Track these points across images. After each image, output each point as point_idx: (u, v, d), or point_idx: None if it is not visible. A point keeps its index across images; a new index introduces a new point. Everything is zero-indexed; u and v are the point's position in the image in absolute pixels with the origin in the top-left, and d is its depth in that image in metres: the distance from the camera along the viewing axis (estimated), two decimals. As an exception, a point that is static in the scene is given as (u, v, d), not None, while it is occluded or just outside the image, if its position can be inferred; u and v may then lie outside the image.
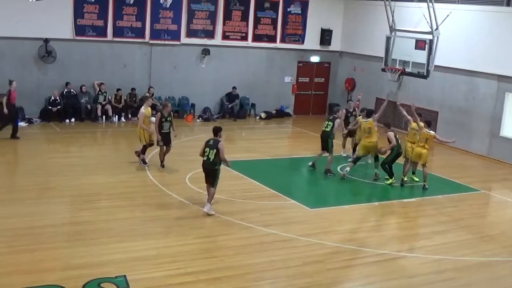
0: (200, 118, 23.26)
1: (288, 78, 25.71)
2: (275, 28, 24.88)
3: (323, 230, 12.14)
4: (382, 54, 21.26)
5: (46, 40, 20.58)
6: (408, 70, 20.60)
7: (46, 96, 20.87)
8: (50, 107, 20.75)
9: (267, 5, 24.56)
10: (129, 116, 22.03)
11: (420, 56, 19.75)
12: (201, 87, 23.61)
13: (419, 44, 20.04)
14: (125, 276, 9.25)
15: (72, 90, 21.24)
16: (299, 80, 26.06)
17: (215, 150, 12.22)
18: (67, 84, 21.12)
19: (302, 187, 16.13)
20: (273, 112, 24.88)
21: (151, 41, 22.52)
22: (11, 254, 9.98)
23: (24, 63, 20.56)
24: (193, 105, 23.33)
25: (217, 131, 12.53)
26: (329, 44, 25.94)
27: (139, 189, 14.07)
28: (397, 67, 20.92)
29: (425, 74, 19.65)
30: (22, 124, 19.97)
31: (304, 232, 11.86)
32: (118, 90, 21.80)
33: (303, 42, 25.55)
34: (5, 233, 10.77)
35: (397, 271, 10.40)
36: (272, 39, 24.92)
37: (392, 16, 20.68)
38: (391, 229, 13.00)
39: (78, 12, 21.04)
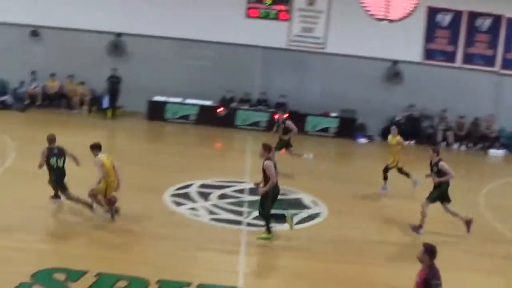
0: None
1: None
2: None
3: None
4: None
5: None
6: None
7: (389, 115, 21.06)
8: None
9: None
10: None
11: None
12: None
13: None
14: None
15: (414, 113, 21.09)
16: None
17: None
18: (410, 106, 21.08)
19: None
20: None
21: (502, 71, 21.24)
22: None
23: (371, 84, 21.10)
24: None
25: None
26: None
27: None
28: None
29: None
30: (362, 140, 20.51)
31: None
32: (461, 117, 20.98)
33: None
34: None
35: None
36: None
37: None
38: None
39: (429, 37, 21.10)
